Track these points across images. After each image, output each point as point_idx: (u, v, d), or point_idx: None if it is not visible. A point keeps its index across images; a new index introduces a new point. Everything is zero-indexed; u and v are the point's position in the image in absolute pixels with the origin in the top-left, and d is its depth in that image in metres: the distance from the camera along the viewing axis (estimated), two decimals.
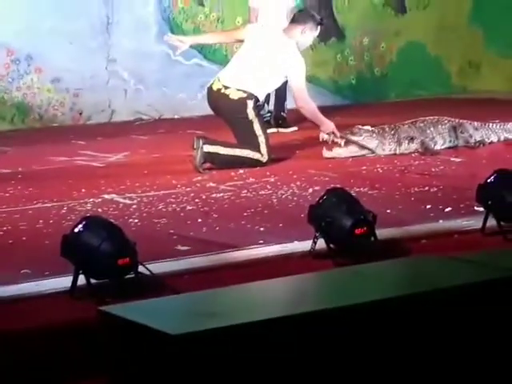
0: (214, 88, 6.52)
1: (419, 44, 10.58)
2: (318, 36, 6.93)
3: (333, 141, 6.61)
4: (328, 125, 6.63)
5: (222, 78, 6.53)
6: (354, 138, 6.65)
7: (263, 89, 6.58)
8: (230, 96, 6.43)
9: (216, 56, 9.26)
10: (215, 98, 6.52)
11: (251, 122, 6.42)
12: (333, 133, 6.61)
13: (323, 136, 6.61)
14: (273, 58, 6.50)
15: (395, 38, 10.45)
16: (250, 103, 6.43)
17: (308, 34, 6.68)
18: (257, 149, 6.40)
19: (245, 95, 6.42)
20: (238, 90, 6.43)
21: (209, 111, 6.80)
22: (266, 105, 7.96)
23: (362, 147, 6.64)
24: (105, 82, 9.02)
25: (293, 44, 6.57)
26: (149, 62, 9.10)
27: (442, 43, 10.61)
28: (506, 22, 10.62)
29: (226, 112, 6.47)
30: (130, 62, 9.04)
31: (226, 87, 6.46)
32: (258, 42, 6.56)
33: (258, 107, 6.70)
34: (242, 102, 6.40)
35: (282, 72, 6.54)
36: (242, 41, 6.72)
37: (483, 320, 3.05)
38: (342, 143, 6.62)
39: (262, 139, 6.42)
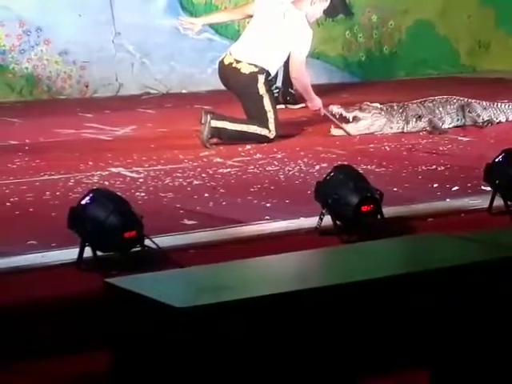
0: (226, 62, 6.50)
1: (428, 23, 10.52)
2: (324, 11, 6.89)
3: (341, 115, 6.58)
4: (316, 102, 6.64)
5: (233, 52, 6.51)
6: (362, 114, 6.62)
7: (275, 63, 6.55)
8: (242, 70, 6.41)
9: (228, 31, 9.21)
10: (226, 71, 6.50)
11: (261, 97, 6.40)
12: (319, 110, 6.60)
13: (332, 109, 6.59)
14: (283, 31, 6.46)
15: (404, 16, 10.40)
16: (261, 78, 6.41)
17: (318, 5, 6.65)
18: (265, 124, 6.38)
19: (256, 69, 6.40)
20: (250, 64, 6.41)
21: (217, 86, 6.79)
22: (274, 80, 7.93)
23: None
24: (112, 56, 9.00)
25: (302, 16, 6.54)
26: (157, 36, 9.07)
27: (450, 23, 10.55)
28: None
29: (237, 86, 6.45)
30: (137, 36, 9.01)
31: (238, 61, 6.44)
32: (267, 16, 6.53)
33: (270, 82, 6.67)
34: (253, 77, 6.38)
35: (291, 44, 6.51)
36: (252, 16, 6.69)
37: (489, 299, 3.05)
38: (351, 118, 6.59)
39: (270, 115, 6.41)
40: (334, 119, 6.66)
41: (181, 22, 6.98)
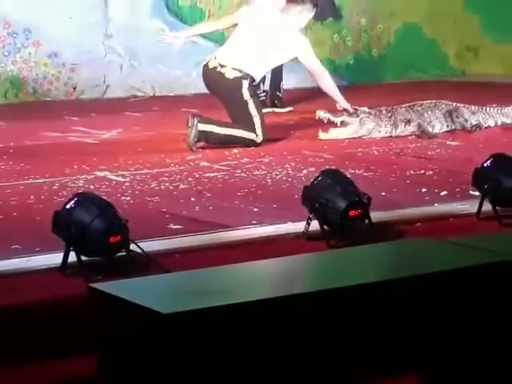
0: (210, 66, 6.48)
1: (415, 26, 10.53)
2: (314, 15, 6.88)
3: (329, 120, 6.56)
4: (344, 102, 6.62)
5: (218, 57, 6.49)
6: (350, 119, 6.60)
7: (260, 69, 6.54)
8: (226, 75, 6.39)
9: (213, 34, 9.19)
10: (211, 75, 6.47)
11: (246, 102, 6.38)
12: (345, 110, 6.58)
13: (320, 114, 6.55)
14: (270, 39, 6.45)
15: (392, 19, 10.40)
16: (245, 83, 6.39)
17: (305, 14, 6.64)
18: (252, 129, 6.36)
19: (240, 75, 6.38)
20: (234, 69, 6.39)
21: (204, 89, 6.75)
22: (261, 84, 7.91)
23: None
24: (101, 57, 8.97)
25: (292, 24, 6.52)
26: (143, 38, 9.05)
27: (437, 27, 10.57)
28: (502, 7, 10.57)
29: (221, 91, 6.42)
30: (125, 38, 8.99)
31: (222, 66, 6.42)
32: (254, 23, 6.51)
33: (254, 87, 6.65)
34: (237, 82, 6.36)
35: (283, 53, 6.50)
36: (237, 24, 6.65)
37: (477, 304, 3.04)
38: (339, 122, 6.58)
39: (257, 120, 6.38)
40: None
41: (163, 37, 6.88)
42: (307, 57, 6.51)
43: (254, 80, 6.51)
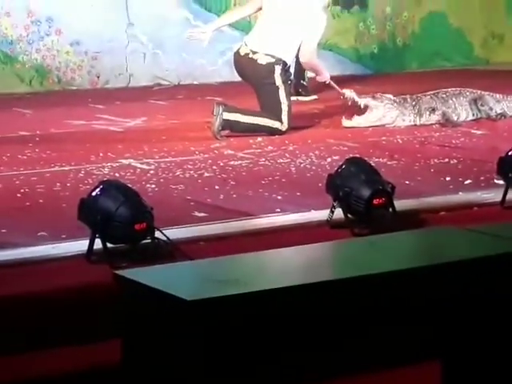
0: (242, 53, 6.46)
1: (441, 14, 10.47)
2: (341, 2, 6.86)
3: (353, 100, 6.55)
4: (325, 74, 6.68)
5: (249, 43, 6.46)
6: (374, 102, 6.59)
7: (290, 52, 6.50)
8: (258, 61, 6.38)
9: (238, 22, 9.18)
10: (242, 63, 6.46)
11: (277, 88, 6.37)
12: (327, 83, 6.66)
13: (346, 93, 6.56)
14: (296, 19, 6.41)
15: (417, 8, 10.34)
16: (278, 68, 6.38)
17: None
18: (278, 116, 6.35)
19: (273, 60, 6.36)
20: (266, 54, 6.37)
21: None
22: (290, 72, 7.88)
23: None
24: (124, 46, 8.98)
25: (314, 1, 6.50)
26: (168, 27, 9.05)
27: (463, 14, 10.49)
28: None
29: (253, 77, 6.41)
30: (149, 26, 8.99)
31: (254, 52, 6.40)
32: (279, 5, 6.48)
33: (287, 72, 6.63)
34: (269, 67, 6.35)
35: (305, 31, 6.47)
36: (262, 8, 6.64)
37: (501, 292, 3.03)
38: (362, 104, 6.56)
39: (284, 107, 6.38)
40: (337, 88, 6.66)
41: (191, 34, 6.85)
42: (312, 36, 6.47)
43: (286, 64, 6.49)
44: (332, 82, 6.72)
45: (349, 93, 6.58)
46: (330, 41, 9.55)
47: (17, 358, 3.22)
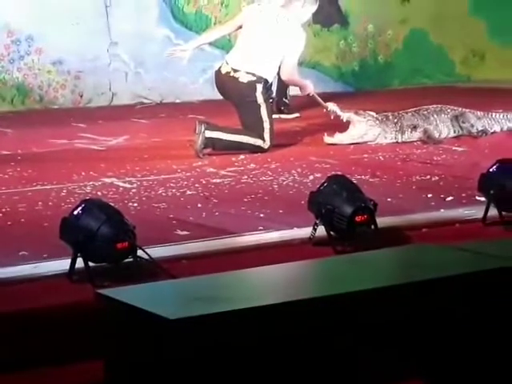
0: (223, 71, 6.47)
1: (422, 32, 10.53)
2: (320, 20, 6.90)
3: (336, 114, 6.57)
4: (309, 87, 6.69)
5: (230, 61, 6.48)
6: (356, 118, 6.62)
7: (272, 70, 6.52)
8: (240, 79, 6.40)
9: (218, 40, 9.21)
10: (224, 81, 6.47)
11: (259, 106, 6.39)
12: (311, 95, 6.68)
13: (329, 106, 6.59)
14: (277, 37, 6.43)
15: (401, 26, 10.40)
16: (260, 86, 6.39)
17: (308, 7, 6.65)
18: (260, 134, 6.37)
19: (254, 78, 6.38)
20: (248, 72, 6.39)
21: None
22: (271, 90, 7.91)
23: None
24: (106, 65, 8.99)
25: (294, 19, 6.52)
26: (150, 45, 9.07)
27: (444, 32, 10.56)
28: (508, 12, 10.57)
29: (235, 95, 6.42)
30: (131, 45, 9.01)
31: (235, 70, 6.42)
32: (259, 23, 6.50)
33: (268, 90, 6.63)
34: (251, 85, 6.37)
35: (289, 49, 6.48)
36: (242, 26, 6.66)
37: (483, 308, 3.04)
38: (345, 118, 6.59)
39: (266, 125, 6.39)
40: (320, 101, 6.70)
41: (171, 52, 6.86)
42: (292, 53, 6.48)
43: (267, 82, 6.51)
44: (316, 95, 6.76)
45: (332, 106, 6.61)
46: (312, 59, 9.59)
47: None
